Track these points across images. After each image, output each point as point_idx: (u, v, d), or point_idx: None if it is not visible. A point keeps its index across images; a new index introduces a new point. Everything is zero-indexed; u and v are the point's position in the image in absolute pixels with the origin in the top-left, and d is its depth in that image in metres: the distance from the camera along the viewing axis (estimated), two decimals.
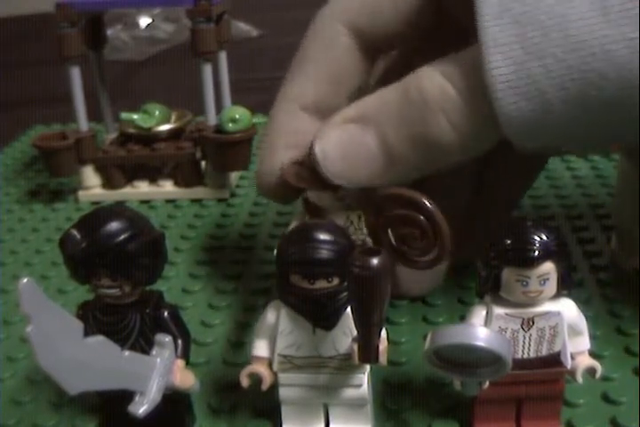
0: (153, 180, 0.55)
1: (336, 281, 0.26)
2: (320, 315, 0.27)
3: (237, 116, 0.50)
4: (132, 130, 0.54)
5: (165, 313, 0.28)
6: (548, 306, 0.26)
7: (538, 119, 0.23)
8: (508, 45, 0.23)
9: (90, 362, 0.25)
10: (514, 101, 0.23)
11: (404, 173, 0.27)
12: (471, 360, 0.25)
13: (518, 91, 0.23)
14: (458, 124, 0.25)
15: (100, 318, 0.28)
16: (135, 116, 0.53)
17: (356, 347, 0.26)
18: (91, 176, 0.54)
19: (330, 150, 0.27)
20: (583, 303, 0.28)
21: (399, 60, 0.36)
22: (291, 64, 0.33)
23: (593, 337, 0.28)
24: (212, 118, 0.52)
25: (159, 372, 0.27)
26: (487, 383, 0.26)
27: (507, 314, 0.26)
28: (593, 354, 0.28)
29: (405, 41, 0.32)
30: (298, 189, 0.31)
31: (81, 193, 0.54)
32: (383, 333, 0.26)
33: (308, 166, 0.29)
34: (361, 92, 0.32)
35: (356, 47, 0.31)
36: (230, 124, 0.50)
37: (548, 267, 0.25)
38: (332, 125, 0.28)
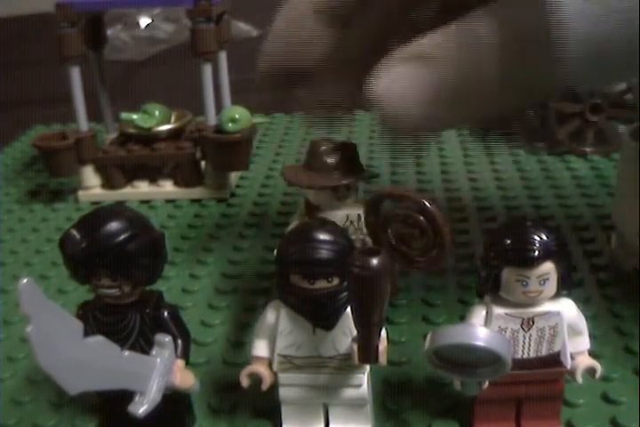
0: (153, 180, 0.55)
1: (336, 281, 0.26)
2: (320, 315, 0.27)
3: (237, 116, 0.50)
4: (131, 130, 0.54)
5: (165, 313, 0.28)
6: (547, 306, 0.26)
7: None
8: None
9: (90, 362, 0.25)
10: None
11: (460, 112, 0.27)
12: (471, 360, 0.25)
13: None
14: (511, 67, 0.25)
15: (99, 318, 0.28)
16: (135, 117, 0.53)
17: (355, 347, 0.26)
18: (91, 176, 0.54)
19: (388, 88, 0.26)
20: (583, 303, 0.28)
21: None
22: None
23: (593, 337, 0.28)
24: (211, 118, 0.52)
25: (159, 371, 0.27)
26: (487, 383, 0.26)
27: (506, 314, 0.26)
28: (593, 354, 0.28)
29: None
30: (289, 81, 0.31)
31: (81, 193, 0.54)
32: (383, 333, 0.26)
33: None
34: None
35: None
36: (230, 124, 0.50)
37: (548, 267, 0.25)
38: (390, 64, 0.27)
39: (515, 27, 0.24)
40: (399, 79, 0.26)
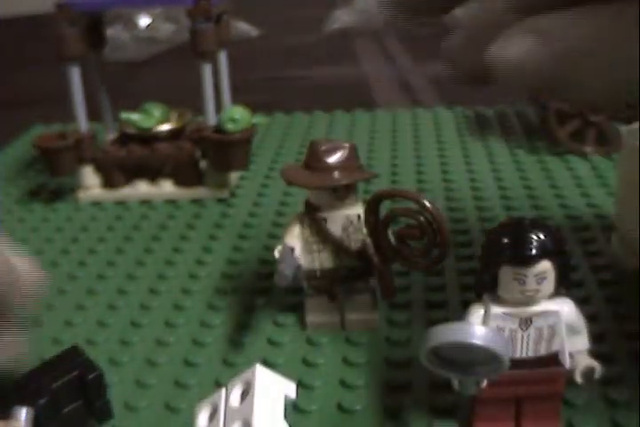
0: (153, 180, 0.55)
1: None
2: None
3: (237, 117, 0.50)
4: (131, 130, 0.54)
5: None
6: (545, 305, 0.26)
7: None
8: None
9: None
10: None
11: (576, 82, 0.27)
12: (468, 359, 0.25)
13: None
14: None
15: None
16: (135, 117, 0.53)
17: None
18: (90, 176, 0.54)
19: (510, 59, 0.27)
20: (582, 303, 0.28)
21: None
22: None
23: (592, 337, 0.28)
24: (211, 118, 0.52)
25: None
26: (485, 383, 0.26)
27: (504, 313, 0.26)
28: (592, 354, 0.28)
29: None
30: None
31: (81, 193, 0.54)
32: None
33: None
34: None
35: None
36: (230, 125, 0.50)
37: (546, 265, 0.25)
38: (511, 36, 0.26)
39: None
40: (518, 51, 0.26)
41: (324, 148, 0.34)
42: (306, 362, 0.34)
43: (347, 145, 0.34)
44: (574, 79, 0.25)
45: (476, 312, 0.27)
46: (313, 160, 0.34)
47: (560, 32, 0.26)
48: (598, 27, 0.25)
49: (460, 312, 0.36)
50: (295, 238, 0.35)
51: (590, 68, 0.25)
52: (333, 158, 0.33)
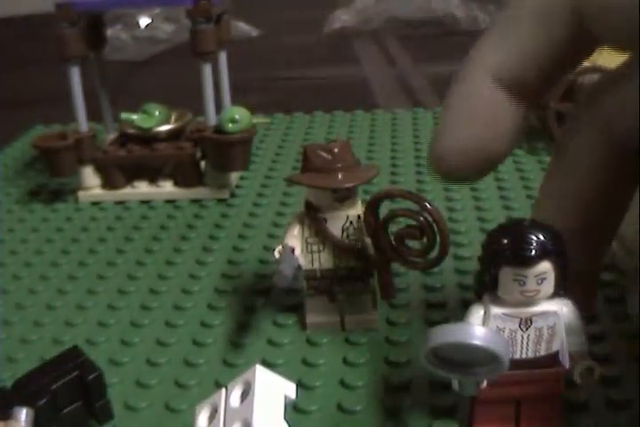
0: (153, 180, 0.55)
1: None
2: None
3: (237, 117, 0.50)
4: (131, 130, 0.54)
5: None
6: (545, 306, 0.26)
7: None
8: None
9: None
10: None
11: None
12: (468, 359, 0.25)
13: None
14: None
15: None
16: (135, 117, 0.53)
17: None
18: (91, 176, 0.54)
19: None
20: None
21: None
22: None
23: (592, 337, 0.28)
24: (211, 118, 0.52)
25: None
26: (485, 383, 0.26)
27: (504, 314, 0.26)
28: (592, 354, 0.28)
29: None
30: (485, 166, 0.27)
31: (81, 193, 0.54)
32: None
33: None
34: None
35: None
36: (230, 125, 0.50)
37: (545, 266, 0.25)
38: None
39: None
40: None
41: (320, 150, 0.34)
42: (306, 362, 0.34)
43: (340, 144, 0.34)
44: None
45: (476, 313, 0.27)
46: (313, 162, 0.34)
47: None
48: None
49: (460, 312, 0.36)
50: (295, 239, 0.35)
51: None
52: (333, 159, 0.34)
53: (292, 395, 0.26)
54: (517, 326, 0.26)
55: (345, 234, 0.35)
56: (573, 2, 0.23)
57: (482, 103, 0.25)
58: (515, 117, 0.26)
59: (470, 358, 0.25)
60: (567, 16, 0.24)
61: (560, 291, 0.26)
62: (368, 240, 0.34)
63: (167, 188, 0.54)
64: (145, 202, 0.54)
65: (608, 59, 0.34)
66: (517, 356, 0.26)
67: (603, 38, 0.24)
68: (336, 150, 0.34)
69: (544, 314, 0.26)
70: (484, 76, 0.25)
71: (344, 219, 0.34)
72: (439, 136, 0.26)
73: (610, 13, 0.23)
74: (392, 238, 0.33)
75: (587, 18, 0.23)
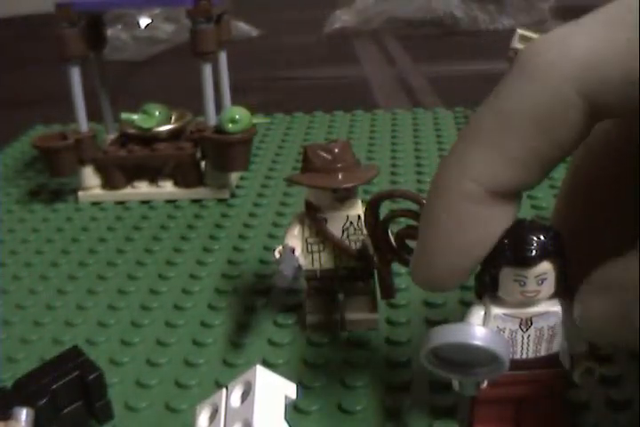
0: (153, 180, 0.55)
1: None
2: None
3: (237, 117, 0.50)
4: (132, 130, 0.54)
5: None
6: (546, 306, 0.26)
7: None
8: None
9: None
10: None
11: None
12: (468, 360, 0.25)
13: None
14: None
15: None
16: (135, 117, 0.53)
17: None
18: (91, 176, 0.54)
19: (592, 318, 0.24)
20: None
21: None
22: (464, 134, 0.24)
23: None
24: (211, 118, 0.52)
25: None
26: (485, 383, 0.26)
27: (505, 314, 0.26)
28: (592, 354, 0.28)
29: None
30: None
31: (81, 193, 0.54)
32: None
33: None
34: None
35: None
36: (230, 125, 0.50)
37: (546, 267, 0.25)
38: (592, 291, 0.24)
39: None
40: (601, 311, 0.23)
41: (320, 150, 0.34)
42: (306, 362, 0.34)
43: (340, 144, 0.34)
44: None
45: (477, 313, 0.27)
46: (313, 162, 0.34)
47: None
48: None
49: (460, 312, 0.36)
50: (295, 239, 0.35)
51: None
52: (333, 159, 0.34)
53: (293, 395, 0.26)
54: (518, 326, 0.26)
55: (345, 234, 0.35)
56: (580, 98, 0.21)
57: (470, 221, 0.24)
58: (507, 222, 0.25)
59: (470, 359, 0.25)
60: (572, 115, 0.21)
61: (560, 291, 0.26)
62: (368, 240, 0.34)
63: (167, 188, 0.54)
64: (145, 202, 0.54)
65: None
66: (518, 356, 0.26)
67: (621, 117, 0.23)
68: (336, 150, 0.34)
69: (544, 314, 0.26)
70: (470, 190, 0.23)
71: (344, 219, 0.34)
72: (425, 258, 0.25)
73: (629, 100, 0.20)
74: (392, 238, 0.33)
75: (603, 107, 0.21)
